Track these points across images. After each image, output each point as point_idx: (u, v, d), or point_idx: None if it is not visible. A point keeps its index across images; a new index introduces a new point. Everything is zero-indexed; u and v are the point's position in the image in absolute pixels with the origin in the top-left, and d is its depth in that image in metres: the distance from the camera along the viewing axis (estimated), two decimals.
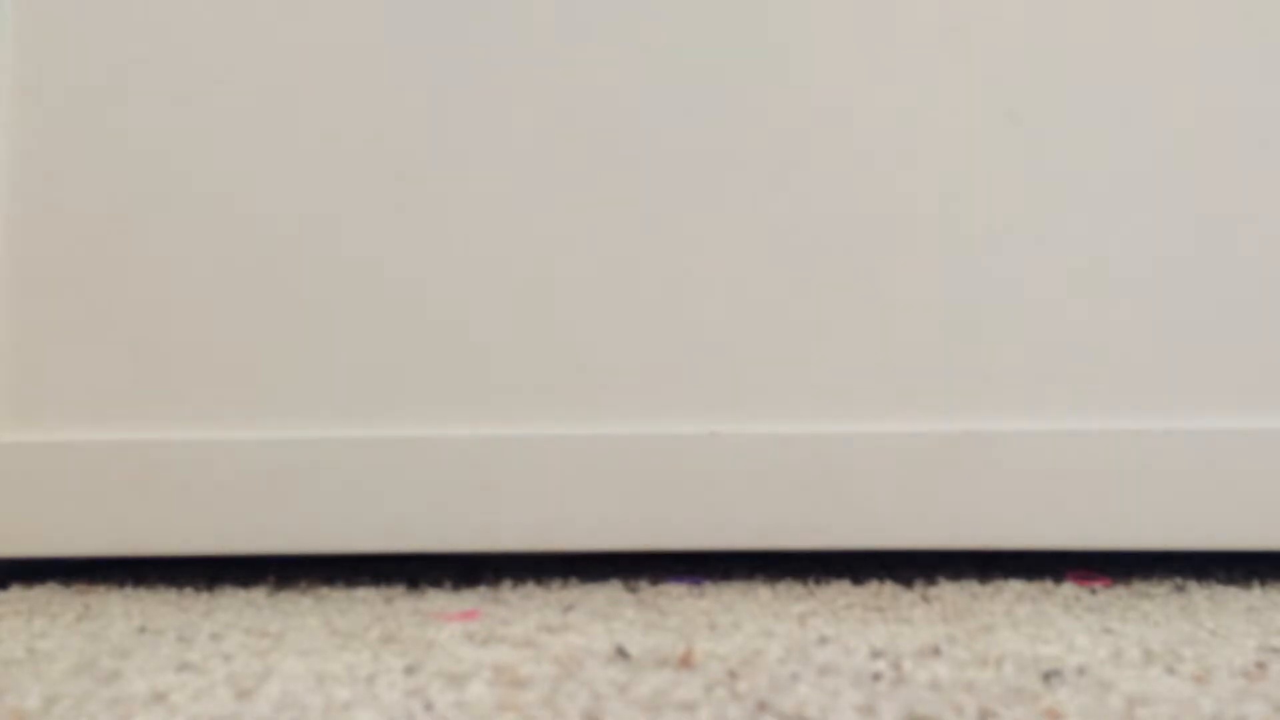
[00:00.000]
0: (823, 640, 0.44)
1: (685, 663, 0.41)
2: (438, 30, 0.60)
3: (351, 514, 0.58)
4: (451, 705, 0.36)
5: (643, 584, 0.58)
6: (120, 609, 0.55)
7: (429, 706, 0.36)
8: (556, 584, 0.59)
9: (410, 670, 0.41)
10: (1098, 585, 0.57)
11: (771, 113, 0.59)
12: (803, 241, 0.59)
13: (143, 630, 0.49)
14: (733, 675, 0.39)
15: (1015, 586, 0.56)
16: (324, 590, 0.59)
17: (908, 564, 0.62)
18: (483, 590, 0.58)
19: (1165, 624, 0.48)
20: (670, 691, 0.37)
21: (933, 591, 0.56)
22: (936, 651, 0.42)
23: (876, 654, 0.42)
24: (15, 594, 0.59)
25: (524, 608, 0.53)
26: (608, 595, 0.56)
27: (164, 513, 0.59)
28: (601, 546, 0.58)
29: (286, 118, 0.61)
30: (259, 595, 0.58)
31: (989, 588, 0.56)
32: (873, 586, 0.57)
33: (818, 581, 0.58)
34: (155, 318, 0.60)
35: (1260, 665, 0.41)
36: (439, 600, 0.56)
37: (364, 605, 0.55)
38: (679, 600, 0.54)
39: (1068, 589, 0.56)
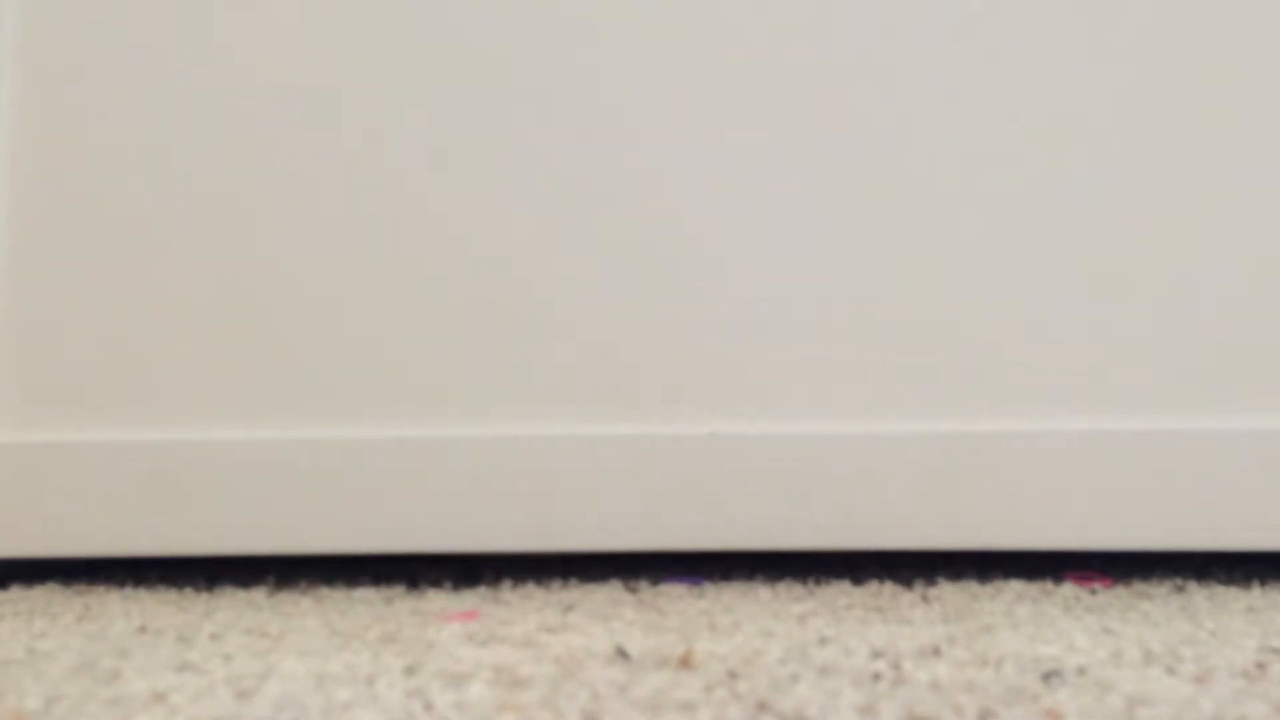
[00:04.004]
0: (823, 640, 0.44)
1: (685, 663, 0.41)
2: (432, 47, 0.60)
3: (351, 514, 0.58)
4: (451, 705, 0.36)
5: (643, 584, 0.58)
6: (120, 609, 0.55)
7: (429, 707, 0.36)
8: (556, 584, 0.59)
9: (410, 670, 0.41)
10: (1098, 585, 0.57)
11: (771, 113, 0.59)
12: (802, 241, 0.59)
13: (143, 630, 0.49)
14: (733, 675, 0.39)
15: (1015, 587, 0.56)
16: (324, 590, 0.59)
17: (908, 564, 0.62)
18: (483, 590, 0.58)
19: (1165, 624, 0.48)
20: (670, 692, 0.37)
21: (933, 592, 0.56)
22: (936, 652, 0.42)
23: (876, 654, 0.42)
24: (15, 594, 0.59)
25: (524, 608, 0.53)
26: (608, 595, 0.56)
27: (164, 513, 0.59)
28: (601, 546, 0.58)
29: (288, 119, 0.61)
30: (259, 595, 0.58)
31: (989, 588, 0.56)
32: (873, 587, 0.57)
33: (818, 581, 0.58)
34: (155, 318, 0.60)
35: (1260, 665, 0.41)
36: (439, 600, 0.56)
37: (364, 605, 0.55)
38: (679, 600, 0.54)
39: (1067, 589, 0.56)
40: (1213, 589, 0.56)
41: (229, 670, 0.41)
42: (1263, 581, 0.57)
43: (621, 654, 0.42)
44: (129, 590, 0.60)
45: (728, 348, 0.59)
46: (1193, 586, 0.57)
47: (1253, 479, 0.56)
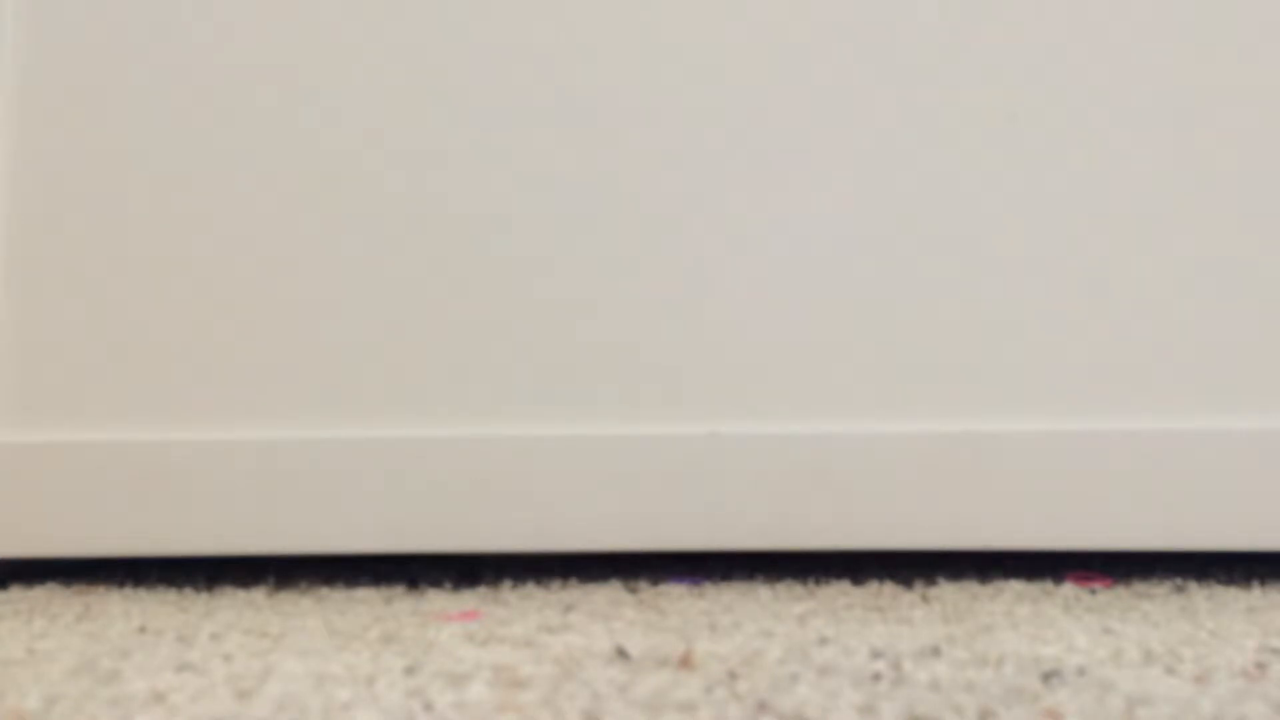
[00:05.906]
0: (823, 640, 0.44)
1: (685, 663, 0.41)
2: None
3: (351, 514, 0.58)
4: (451, 706, 0.36)
5: (643, 584, 0.58)
6: (120, 609, 0.55)
7: (429, 707, 0.36)
8: (556, 584, 0.59)
9: (410, 670, 0.41)
10: (1098, 586, 0.57)
11: (772, 111, 0.59)
12: (802, 242, 0.59)
13: (143, 630, 0.49)
14: (733, 675, 0.39)
15: (1015, 587, 0.56)
16: (324, 590, 0.59)
17: (908, 564, 0.62)
18: (483, 590, 0.58)
19: (1165, 624, 0.48)
20: (670, 692, 0.37)
21: (933, 591, 0.56)
22: (936, 652, 0.42)
23: (876, 654, 0.42)
24: (15, 594, 0.59)
25: (524, 608, 0.53)
26: (608, 595, 0.56)
27: (164, 513, 0.59)
28: (601, 546, 0.58)
29: (289, 117, 0.61)
30: (259, 595, 0.58)
31: (989, 588, 0.56)
32: (873, 586, 0.57)
33: (818, 581, 0.58)
34: (155, 318, 0.60)
35: (1260, 665, 0.41)
36: (439, 600, 0.56)
37: (364, 605, 0.55)
38: (679, 600, 0.54)
39: (1068, 589, 0.56)
40: (1213, 589, 0.56)
41: (229, 670, 0.41)
42: (1263, 581, 0.57)
43: (621, 654, 0.42)
44: (129, 590, 0.60)
45: (728, 348, 0.59)
46: (1193, 586, 0.57)
47: (1253, 479, 0.56)
